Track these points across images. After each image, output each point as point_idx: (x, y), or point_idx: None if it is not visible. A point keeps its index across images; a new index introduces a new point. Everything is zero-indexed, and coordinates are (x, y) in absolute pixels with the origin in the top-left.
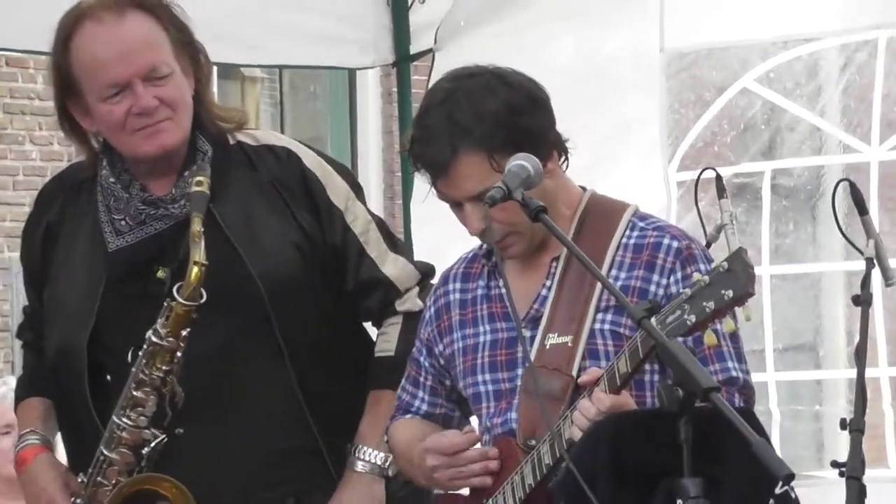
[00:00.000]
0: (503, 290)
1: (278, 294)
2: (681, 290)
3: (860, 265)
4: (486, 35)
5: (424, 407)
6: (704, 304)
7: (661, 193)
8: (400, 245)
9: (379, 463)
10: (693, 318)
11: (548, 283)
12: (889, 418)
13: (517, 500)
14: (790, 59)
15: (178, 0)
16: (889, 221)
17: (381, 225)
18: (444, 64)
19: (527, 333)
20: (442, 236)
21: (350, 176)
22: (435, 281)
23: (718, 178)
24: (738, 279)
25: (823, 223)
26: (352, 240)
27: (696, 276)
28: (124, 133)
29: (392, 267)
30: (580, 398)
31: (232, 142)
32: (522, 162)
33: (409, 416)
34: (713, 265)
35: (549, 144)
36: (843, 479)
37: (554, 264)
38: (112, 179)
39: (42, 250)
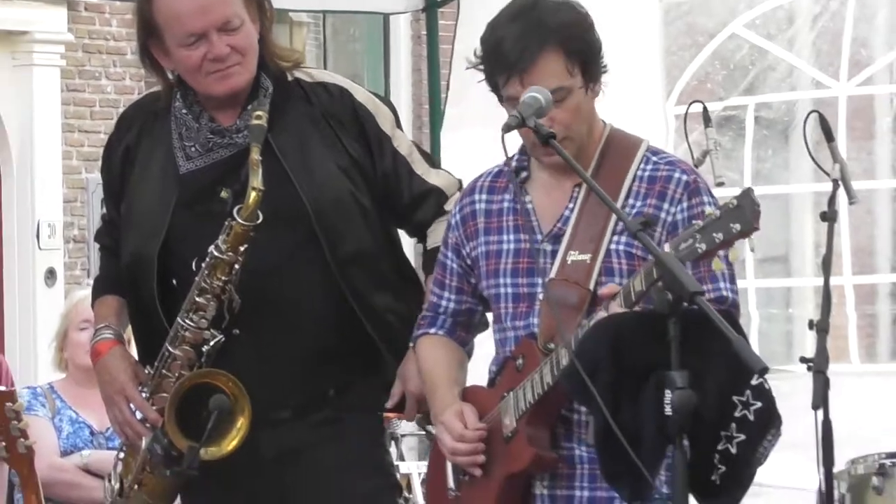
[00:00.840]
0: (529, 206)
1: (325, 215)
2: (691, 219)
3: (827, 186)
4: None
5: (451, 305)
6: (714, 234)
7: (661, 124)
8: (437, 161)
9: None
10: (703, 247)
11: (570, 205)
12: (852, 320)
13: (535, 395)
14: (773, 7)
15: None
16: (855, 148)
17: (419, 147)
18: (469, 9)
19: (548, 248)
20: (466, 163)
21: (393, 108)
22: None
23: (705, 109)
24: (744, 215)
25: (796, 150)
26: (401, 161)
27: (709, 210)
28: (199, 75)
29: (437, 178)
30: (598, 309)
31: (290, 79)
32: (535, 94)
33: (434, 330)
34: (724, 202)
35: (600, 65)
36: (811, 373)
37: (577, 189)
38: (184, 111)
39: (121, 169)
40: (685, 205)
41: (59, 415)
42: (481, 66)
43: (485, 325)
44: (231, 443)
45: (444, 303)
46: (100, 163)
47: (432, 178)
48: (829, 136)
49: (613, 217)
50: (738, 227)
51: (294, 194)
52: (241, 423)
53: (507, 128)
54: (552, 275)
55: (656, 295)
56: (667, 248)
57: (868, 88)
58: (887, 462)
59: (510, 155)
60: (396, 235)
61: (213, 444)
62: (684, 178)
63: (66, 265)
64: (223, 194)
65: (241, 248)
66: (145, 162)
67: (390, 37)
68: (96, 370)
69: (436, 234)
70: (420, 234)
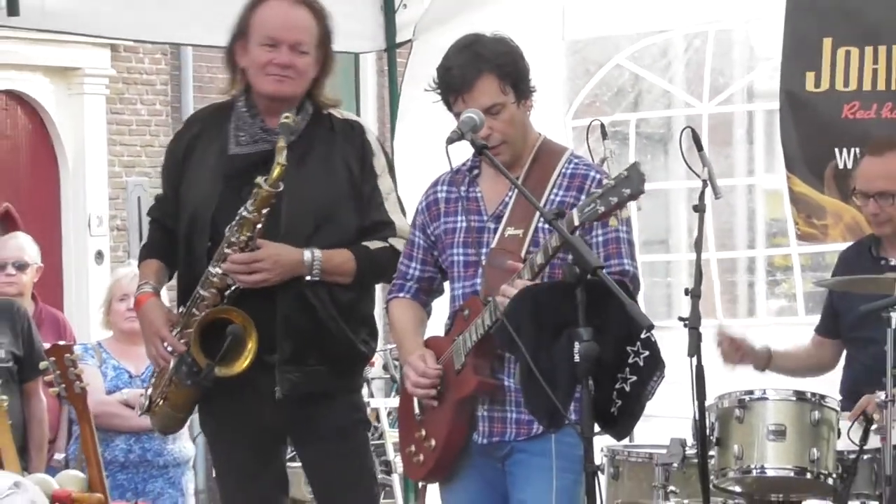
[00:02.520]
0: (479, 194)
1: (325, 209)
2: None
3: (697, 184)
4: (449, 31)
5: (417, 273)
6: (610, 199)
7: (562, 134)
8: (405, 211)
9: (310, 260)
10: (602, 209)
11: (510, 193)
12: (716, 287)
13: (478, 335)
14: (649, 44)
15: None
16: (716, 153)
17: (398, 199)
18: (420, 50)
19: (492, 225)
20: (416, 167)
21: (388, 156)
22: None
23: (602, 126)
24: (633, 182)
25: (672, 156)
26: (377, 194)
27: (606, 180)
28: (262, 72)
29: (398, 218)
30: (514, 278)
31: (325, 112)
32: (471, 114)
33: (403, 294)
34: (616, 173)
35: (529, 86)
36: (686, 329)
37: (516, 179)
38: (244, 110)
39: (183, 155)
40: None
41: (104, 364)
42: (438, 90)
43: (440, 292)
44: (241, 365)
45: (411, 271)
46: (136, 169)
47: (395, 216)
48: (699, 146)
49: (541, 203)
50: (627, 191)
51: (305, 190)
52: (250, 350)
53: (449, 140)
54: (493, 245)
55: (567, 269)
56: (575, 211)
57: (726, 107)
58: (745, 397)
59: (465, 160)
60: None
61: (227, 365)
62: (597, 176)
63: (112, 248)
64: (257, 179)
65: (263, 211)
66: (205, 148)
67: (360, 71)
68: (138, 315)
69: (372, 243)
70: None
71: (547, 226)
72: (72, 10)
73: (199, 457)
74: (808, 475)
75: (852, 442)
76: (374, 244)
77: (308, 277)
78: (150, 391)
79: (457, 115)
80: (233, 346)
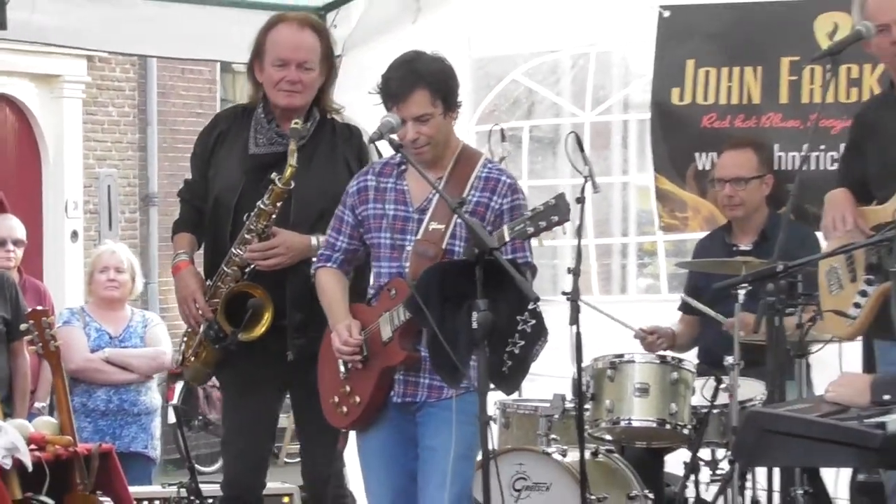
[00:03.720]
0: (406, 188)
1: (327, 199)
2: (511, 209)
3: (580, 180)
4: (371, 48)
5: (344, 245)
6: (540, 222)
7: (468, 138)
8: None
9: (317, 244)
10: (531, 230)
11: (434, 190)
12: (594, 267)
13: (406, 315)
14: (541, 62)
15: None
16: (596, 156)
17: None
18: (348, 63)
19: (416, 217)
20: None
21: (380, 155)
22: None
23: (502, 131)
24: (561, 211)
25: (559, 157)
26: None
27: (538, 206)
28: (275, 88)
29: None
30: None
31: (329, 117)
32: (389, 118)
33: (330, 264)
34: (546, 200)
35: (456, 101)
36: (568, 301)
37: (438, 181)
38: (262, 115)
39: (212, 147)
40: (509, 198)
41: (87, 326)
42: (379, 95)
43: (360, 261)
44: (259, 330)
45: (338, 243)
46: (107, 161)
47: None
48: (581, 149)
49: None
50: (555, 218)
51: (311, 185)
52: (266, 319)
53: (370, 139)
54: (419, 236)
55: (466, 249)
56: (506, 227)
57: (605, 117)
58: (616, 360)
59: (394, 154)
60: None
61: (247, 332)
62: (508, 180)
63: (85, 228)
64: (272, 175)
65: (278, 204)
66: (232, 142)
67: None
68: (175, 279)
69: None
70: None
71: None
72: (54, 24)
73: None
74: (668, 426)
75: (705, 398)
76: None
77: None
78: (182, 348)
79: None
80: (252, 317)
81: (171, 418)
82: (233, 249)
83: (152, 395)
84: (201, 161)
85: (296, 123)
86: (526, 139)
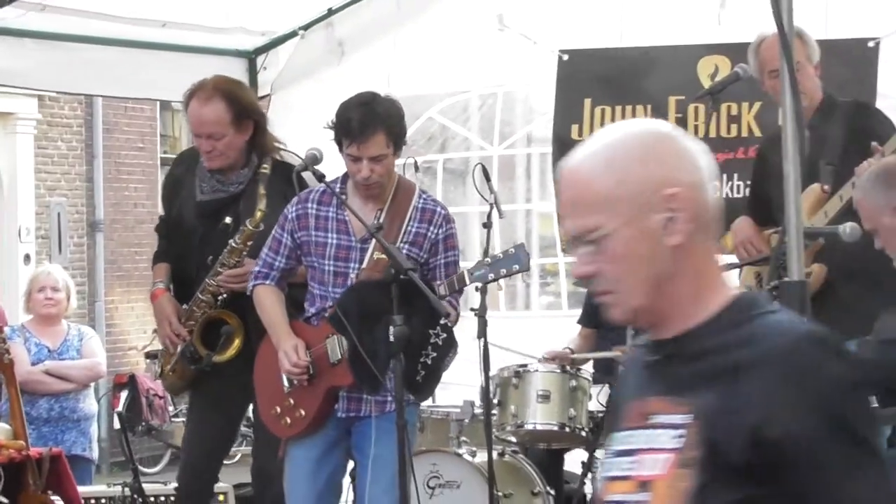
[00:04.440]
0: (347, 218)
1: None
2: (445, 238)
3: (487, 207)
4: (298, 89)
5: (282, 265)
6: (500, 269)
7: None
8: None
9: None
10: (491, 276)
11: (375, 222)
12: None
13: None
14: (453, 101)
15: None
16: (502, 185)
17: None
18: (276, 102)
19: (359, 246)
20: None
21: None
22: None
23: (415, 163)
24: (521, 260)
25: (469, 186)
26: None
27: (498, 253)
28: (203, 154)
29: None
30: None
31: (277, 162)
32: (314, 152)
33: (268, 281)
34: (507, 248)
35: (403, 142)
36: (476, 316)
37: (379, 212)
38: (203, 167)
39: (172, 189)
40: (444, 228)
41: (27, 341)
42: (333, 130)
43: (292, 278)
44: (230, 353)
45: (276, 263)
46: (57, 191)
47: None
48: (488, 177)
49: (401, 231)
50: (516, 267)
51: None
52: (237, 343)
53: (296, 171)
54: (364, 265)
55: (385, 270)
56: (466, 270)
57: (511, 150)
58: (520, 369)
59: (333, 180)
60: None
61: (220, 354)
62: (443, 211)
63: (37, 252)
64: (227, 220)
65: (248, 243)
66: (187, 187)
67: None
68: (153, 305)
69: None
70: None
71: (405, 251)
72: (7, 67)
73: (101, 413)
74: (567, 429)
75: (600, 404)
76: None
77: None
78: (161, 363)
79: (346, 155)
80: (225, 341)
81: (117, 424)
82: (207, 279)
83: (90, 402)
84: (167, 201)
85: (264, 170)
86: (440, 170)
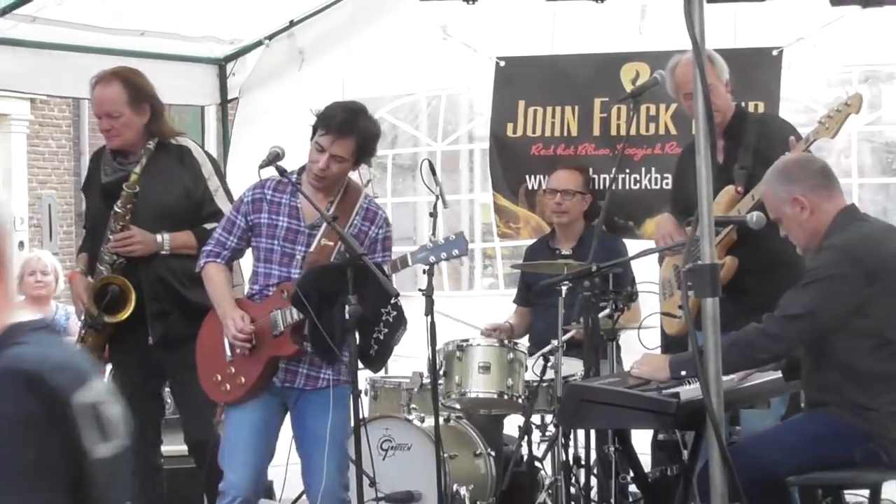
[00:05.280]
0: (299, 206)
1: (169, 207)
2: (383, 238)
3: (433, 198)
4: (263, 92)
5: (233, 245)
6: (441, 253)
7: None
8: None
9: (161, 240)
10: (432, 258)
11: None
12: (445, 267)
13: (293, 318)
14: (402, 103)
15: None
16: (446, 178)
17: (226, 192)
18: (244, 104)
19: (307, 232)
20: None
21: (216, 162)
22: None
23: None
24: (461, 245)
25: (417, 179)
26: (208, 193)
27: (440, 239)
28: (104, 134)
29: (226, 208)
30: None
31: (166, 142)
32: (276, 150)
33: (219, 259)
34: (448, 235)
35: (364, 157)
36: (423, 296)
37: (329, 204)
38: (108, 151)
39: (87, 183)
40: (383, 230)
41: None
42: (317, 116)
43: (239, 258)
44: (124, 315)
45: (228, 242)
46: (48, 185)
47: (223, 206)
48: (434, 172)
49: (348, 225)
50: (455, 251)
51: (156, 196)
52: (130, 303)
53: (260, 165)
54: (311, 249)
55: (340, 255)
56: (409, 252)
57: (454, 146)
58: (463, 344)
59: (291, 172)
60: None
61: (112, 315)
62: (384, 215)
63: (30, 240)
64: (123, 185)
65: (129, 206)
66: (97, 178)
67: (205, 118)
68: (70, 285)
69: (209, 225)
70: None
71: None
72: (1, 73)
73: None
74: (505, 397)
75: (535, 374)
76: (209, 225)
77: (163, 252)
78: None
79: (315, 143)
80: (116, 301)
81: None
82: (101, 248)
83: None
84: (85, 194)
85: (149, 146)
86: (390, 165)
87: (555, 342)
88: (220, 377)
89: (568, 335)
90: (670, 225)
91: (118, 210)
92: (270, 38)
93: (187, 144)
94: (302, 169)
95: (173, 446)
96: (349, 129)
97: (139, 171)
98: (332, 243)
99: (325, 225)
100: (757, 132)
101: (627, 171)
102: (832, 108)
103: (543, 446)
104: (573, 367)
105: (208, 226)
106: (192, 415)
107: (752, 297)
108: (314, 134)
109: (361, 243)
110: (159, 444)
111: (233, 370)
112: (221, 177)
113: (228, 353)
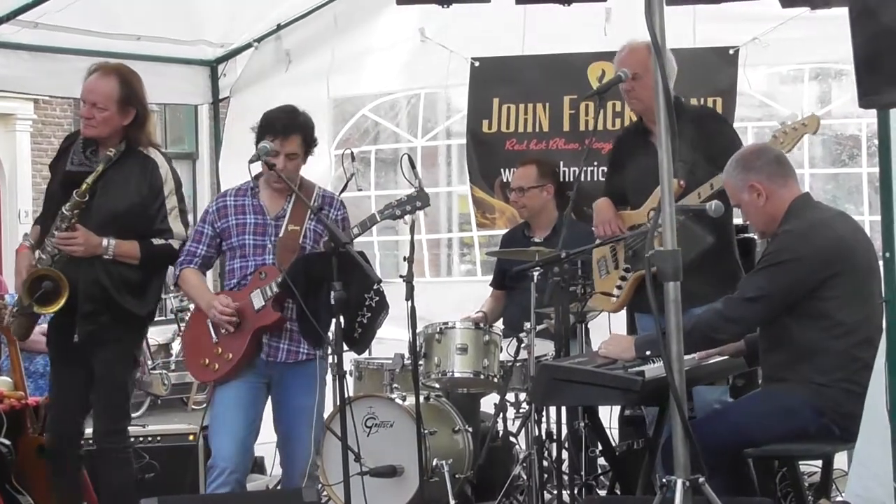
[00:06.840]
0: (263, 203)
1: (120, 215)
2: (342, 220)
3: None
4: (252, 92)
5: (203, 252)
6: (406, 207)
7: (328, 159)
8: (188, 223)
9: (106, 245)
10: (398, 213)
11: (286, 205)
12: (426, 256)
13: (273, 291)
14: (383, 101)
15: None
16: (426, 172)
17: (182, 211)
18: (234, 104)
19: (274, 222)
20: (236, 179)
21: (179, 183)
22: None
23: (351, 153)
24: (424, 199)
25: (398, 173)
26: (163, 211)
27: (403, 196)
28: (83, 120)
29: (177, 227)
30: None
31: (136, 150)
32: (265, 144)
33: (192, 265)
34: (409, 192)
35: (311, 148)
36: (405, 282)
37: (289, 197)
38: (81, 141)
39: (56, 160)
40: (341, 212)
41: None
42: (259, 128)
43: (211, 267)
44: (55, 307)
45: (199, 251)
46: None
47: (174, 226)
48: (413, 166)
49: (308, 213)
50: (418, 203)
51: (111, 202)
52: (62, 297)
53: (250, 160)
54: (280, 235)
55: (326, 244)
56: (376, 212)
57: (433, 142)
58: (442, 327)
59: (243, 183)
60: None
61: (44, 306)
62: (339, 198)
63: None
64: (74, 191)
65: (76, 211)
66: (64, 160)
67: (198, 116)
68: (17, 256)
69: (156, 241)
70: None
71: (314, 224)
72: (6, 75)
73: None
74: (482, 376)
75: (509, 355)
76: (157, 242)
77: (105, 256)
78: (18, 307)
79: (258, 144)
80: (50, 293)
81: None
82: (45, 239)
83: None
84: (52, 170)
85: (110, 152)
86: (373, 160)
87: (527, 325)
88: (207, 360)
89: (541, 327)
90: (610, 212)
91: (65, 213)
92: (259, 40)
93: (156, 158)
94: (258, 176)
95: (169, 425)
96: (292, 127)
97: (91, 182)
98: (297, 228)
99: (288, 214)
100: (696, 128)
101: (595, 163)
102: (788, 125)
103: (518, 422)
104: (544, 347)
105: (156, 241)
106: (62, 410)
107: (705, 278)
108: (258, 142)
109: (322, 225)
110: (82, 432)
111: (220, 350)
112: (181, 198)
113: (214, 335)
